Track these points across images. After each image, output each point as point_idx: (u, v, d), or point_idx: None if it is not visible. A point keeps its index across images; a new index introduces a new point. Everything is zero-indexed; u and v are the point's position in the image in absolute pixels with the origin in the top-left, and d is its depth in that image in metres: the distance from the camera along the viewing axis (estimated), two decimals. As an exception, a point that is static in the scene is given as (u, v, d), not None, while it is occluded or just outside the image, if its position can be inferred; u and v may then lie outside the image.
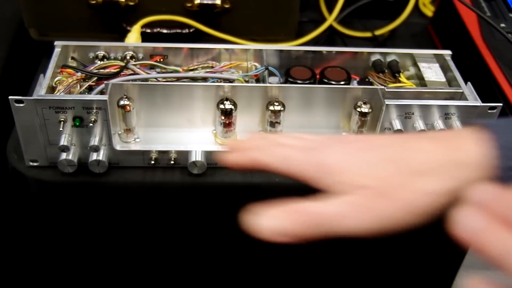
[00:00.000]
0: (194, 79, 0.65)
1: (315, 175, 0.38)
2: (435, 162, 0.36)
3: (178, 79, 0.65)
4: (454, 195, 0.36)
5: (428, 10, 0.95)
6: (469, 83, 0.65)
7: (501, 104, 0.62)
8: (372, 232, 0.35)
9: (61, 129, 0.59)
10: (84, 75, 0.63)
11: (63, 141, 0.59)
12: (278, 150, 0.40)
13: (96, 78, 0.63)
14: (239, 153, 0.41)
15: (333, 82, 0.66)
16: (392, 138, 0.39)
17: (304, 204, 0.37)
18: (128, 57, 0.67)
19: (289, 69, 0.68)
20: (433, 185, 0.35)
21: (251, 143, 0.42)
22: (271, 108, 0.62)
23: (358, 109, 0.63)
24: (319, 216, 0.36)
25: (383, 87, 0.63)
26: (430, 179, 0.35)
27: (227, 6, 0.76)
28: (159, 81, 0.64)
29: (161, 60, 0.67)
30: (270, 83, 0.65)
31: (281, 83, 0.67)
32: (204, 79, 0.65)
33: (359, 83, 0.69)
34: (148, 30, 0.76)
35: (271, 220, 0.37)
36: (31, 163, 0.63)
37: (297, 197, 0.68)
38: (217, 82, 0.64)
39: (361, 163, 0.36)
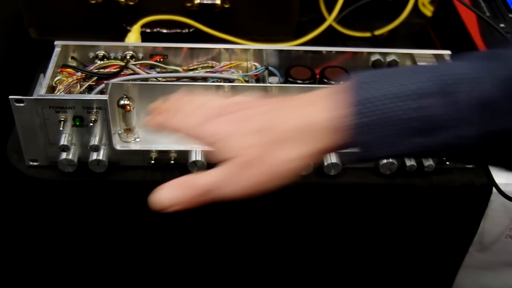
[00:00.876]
0: (194, 79, 0.65)
1: (208, 145, 0.43)
2: (294, 130, 0.40)
3: (178, 79, 0.65)
4: (314, 156, 0.40)
5: (428, 10, 0.95)
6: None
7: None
8: (248, 195, 0.42)
9: (61, 128, 0.59)
10: (84, 74, 0.63)
11: (63, 140, 0.59)
12: (181, 119, 0.45)
13: (96, 77, 0.63)
14: (154, 116, 0.47)
15: (333, 82, 0.66)
16: (269, 106, 0.43)
17: (192, 177, 0.42)
18: (128, 57, 0.67)
19: (289, 69, 0.68)
20: (291, 153, 0.40)
21: (164, 107, 0.47)
22: (271, 107, 0.62)
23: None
24: (202, 187, 0.42)
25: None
26: (288, 147, 0.40)
27: (227, 6, 0.76)
28: (159, 81, 0.64)
29: (161, 60, 0.67)
30: (270, 83, 0.65)
31: (281, 83, 0.67)
32: (204, 79, 0.65)
33: (359, 83, 0.69)
34: (148, 30, 0.77)
35: (166, 193, 0.43)
36: (31, 163, 0.63)
37: (297, 197, 0.68)
38: (217, 82, 0.65)
39: (237, 134, 0.41)
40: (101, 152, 0.61)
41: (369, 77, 0.39)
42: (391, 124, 0.37)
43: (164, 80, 0.64)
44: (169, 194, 0.43)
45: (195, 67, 0.67)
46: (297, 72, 0.67)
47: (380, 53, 0.70)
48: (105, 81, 0.61)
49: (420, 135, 0.37)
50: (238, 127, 0.42)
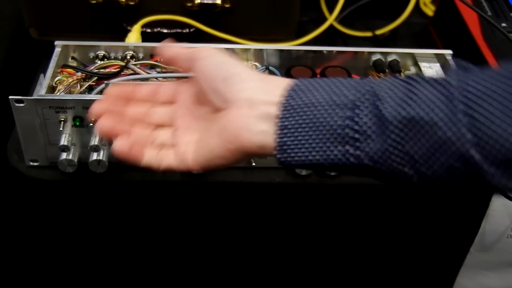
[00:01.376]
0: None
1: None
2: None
3: (179, 78, 0.65)
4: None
5: (429, 9, 0.95)
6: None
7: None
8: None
9: (61, 129, 0.59)
10: (84, 75, 0.63)
11: (64, 141, 0.59)
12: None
13: (96, 78, 0.63)
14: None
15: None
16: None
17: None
18: (128, 57, 0.67)
19: (290, 69, 0.68)
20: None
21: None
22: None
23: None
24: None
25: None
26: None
27: (227, 5, 0.76)
28: (159, 81, 0.64)
29: (162, 60, 0.67)
30: (270, 82, 0.65)
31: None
32: (205, 78, 0.65)
33: (359, 82, 0.69)
34: (149, 30, 0.76)
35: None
36: (31, 163, 0.63)
37: (297, 197, 0.68)
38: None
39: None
40: (102, 152, 0.61)
41: (302, 85, 0.42)
42: (314, 130, 0.40)
43: (164, 80, 0.64)
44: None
45: (196, 67, 0.67)
46: (297, 72, 0.67)
47: (381, 53, 0.70)
48: (105, 81, 0.61)
49: (347, 143, 0.40)
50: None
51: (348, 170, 0.41)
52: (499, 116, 0.35)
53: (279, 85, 0.43)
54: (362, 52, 0.70)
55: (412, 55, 0.70)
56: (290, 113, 0.41)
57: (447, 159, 0.37)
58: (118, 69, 0.64)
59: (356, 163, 0.40)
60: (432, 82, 0.39)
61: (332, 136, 0.40)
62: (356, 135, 0.39)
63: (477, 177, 0.37)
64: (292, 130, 0.41)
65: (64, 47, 0.65)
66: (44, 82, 0.60)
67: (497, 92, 0.36)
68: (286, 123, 0.41)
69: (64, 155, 0.60)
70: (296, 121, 0.41)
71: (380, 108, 0.39)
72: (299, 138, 0.41)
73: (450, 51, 0.70)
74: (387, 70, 0.69)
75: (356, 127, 0.39)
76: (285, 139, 0.41)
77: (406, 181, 0.40)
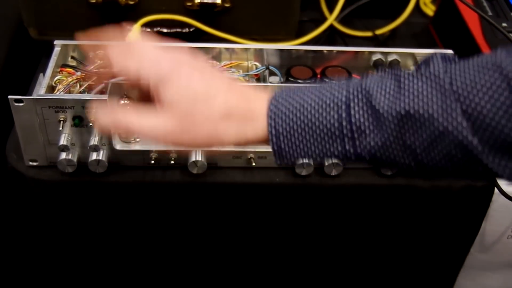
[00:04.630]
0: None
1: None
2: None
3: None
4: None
5: (429, 9, 0.95)
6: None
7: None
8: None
9: (60, 128, 0.59)
10: (84, 74, 0.63)
11: (63, 140, 0.59)
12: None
13: (96, 77, 0.63)
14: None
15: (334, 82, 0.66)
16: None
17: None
18: (128, 57, 0.67)
19: (290, 68, 0.68)
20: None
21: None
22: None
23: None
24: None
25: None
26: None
27: (227, 5, 0.76)
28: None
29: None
30: (270, 82, 0.65)
31: (281, 82, 0.66)
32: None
33: (360, 82, 0.69)
34: (148, 29, 0.76)
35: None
36: (30, 163, 0.63)
37: (298, 197, 0.68)
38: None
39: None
40: (101, 152, 0.61)
41: (282, 93, 0.43)
42: (309, 131, 0.42)
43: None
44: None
45: (195, 66, 0.67)
46: (298, 71, 0.67)
47: (382, 53, 0.70)
48: (105, 81, 0.61)
49: (343, 141, 0.41)
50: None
51: (348, 162, 0.42)
52: (489, 102, 0.37)
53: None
54: (363, 52, 0.70)
55: (412, 55, 0.70)
56: (280, 118, 0.42)
57: (445, 148, 0.39)
58: (118, 69, 0.64)
59: (354, 158, 0.41)
60: (419, 76, 0.40)
61: (328, 135, 0.41)
62: (352, 132, 0.41)
63: (476, 162, 0.39)
64: (286, 134, 0.42)
65: (64, 47, 0.65)
66: (43, 82, 0.60)
67: (481, 82, 0.38)
68: (278, 128, 0.42)
69: (63, 155, 0.60)
70: (288, 125, 0.42)
71: (374, 104, 0.40)
72: (295, 141, 0.42)
73: (450, 51, 0.70)
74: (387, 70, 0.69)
75: (352, 124, 0.40)
76: (280, 144, 0.42)
77: (405, 170, 0.41)
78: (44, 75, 0.61)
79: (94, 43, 0.66)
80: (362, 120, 0.40)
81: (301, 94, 0.43)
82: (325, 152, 0.42)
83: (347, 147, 0.41)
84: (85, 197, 0.66)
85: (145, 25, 0.75)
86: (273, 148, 0.43)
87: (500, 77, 0.37)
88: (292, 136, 0.42)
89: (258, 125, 0.43)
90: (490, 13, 0.80)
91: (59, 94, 0.60)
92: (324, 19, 0.86)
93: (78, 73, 0.63)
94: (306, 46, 0.72)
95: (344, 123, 0.41)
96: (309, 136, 0.42)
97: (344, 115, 0.41)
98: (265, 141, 0.43)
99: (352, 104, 0.41)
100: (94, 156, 0.61)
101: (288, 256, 0.75)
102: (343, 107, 0.41)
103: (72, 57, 0.67)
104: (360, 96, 0.41)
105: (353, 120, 0.40)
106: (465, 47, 0.77)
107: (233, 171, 0.65)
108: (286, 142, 0.42)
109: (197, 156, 0.62)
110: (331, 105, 0.41)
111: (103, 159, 0.61)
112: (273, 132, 0.42)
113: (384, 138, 0.40)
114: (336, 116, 0.41)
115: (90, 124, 0.59)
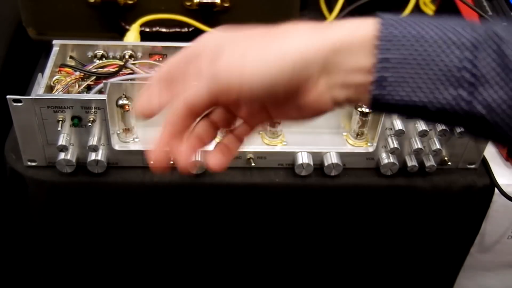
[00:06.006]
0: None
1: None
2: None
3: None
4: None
5: (429, 9, 0.95)
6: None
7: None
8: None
9: (59, 128, 0.58)
10: (82, 74, 0.63)
11: (62, 140, 0.59)
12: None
13: (94, 77, 0.63)
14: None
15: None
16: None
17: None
18: (127, 56, 0.67)
19: (289, 68, 0.67)
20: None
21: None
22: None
23: (359, 109, 0.63)
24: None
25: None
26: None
27: (226, 5, 0.76)
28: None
29: (160, 59, 0.67)
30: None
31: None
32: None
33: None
34: (147, 29, 0.76)
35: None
36: (29, 163, 0.63)
37: (298, 197, 0.67)
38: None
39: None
40: (100, 152, 0.61)
41: (391, 18, 0.38)
42: (424, 67, 0.36)
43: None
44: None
45: (195, 66, 0.67)
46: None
47: (381, 53, 0.70)
48: (104, 81, 0.61)
49: (460, 87, 0.35)
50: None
51: (454, 119, 0.36)
52: None
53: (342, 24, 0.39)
54: (362, 52, 0.70)
55: (412, 55, 0.70)
56: (392, 45, 0.36)
57: None
58: (117, 69, 0.64)
59: (467, 110, 0.35)
60: None
61: (445, 76, 0.35)
62: (473, 80, 0.35)
63: None
64: (395, 64, 0.36)
65: (62, 47, 0.65)
66: (42, 82, 0.60)
67: None
68: (387, 55, 0.36)
69: (62, 155, 0.60)
70: (401, 54, 0.36)
71: (506, 52, 0.35)
72: (404, 74, 0.36)
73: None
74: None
75: (475, 71, 0.35)
76: (386, 74, 0.36)
77: None
78: (42, 75, 0.61)
79: (94, 43, 0.66)
80: (488, 68, 0.35)
81: (418, 23, 0.37)
82: (434, 94, 0.36)
83: (463, 94, 0.35)
84: (84, 197, 0.65)
85: (144, 25, 0.75)
86: (374, 76, 0.36)
87: None
88: (403, 67, 0.36)
89: (359, 51, 0.37)
90: (490, 13, 0.80)
91: (57, 94, 0.60)
92: (323, 19, 0.86)
93: (77, 73, 0.63)
94: (305, 46, 0.71)
95: (468, 66, 0.35)
96: (423, 72, 0.36)
97: (470, 57, 0.35)
98: (359, 72, 0.37)
99: (480, 47, 0.35)
100: (93, 156, 0.61)
101: (288, 257, 0.75)
102: (471, 48, 0.35)
103: (71, 57, 0.66)
104: (490, 42, 0.35)
105: (478, 65, 0.35)
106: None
107: (233, 171, 0.65)
108: (393, 72, 0.36)
109: (196, 156, 0.62)
110: (458, 43, 0.35)
111: (102, 159, 0.61)
112: (380, 57, 0.36)
113: (511, 92, 0.34)
114: (461, 57, 0.35)
115: (89, 124, 0.58)
